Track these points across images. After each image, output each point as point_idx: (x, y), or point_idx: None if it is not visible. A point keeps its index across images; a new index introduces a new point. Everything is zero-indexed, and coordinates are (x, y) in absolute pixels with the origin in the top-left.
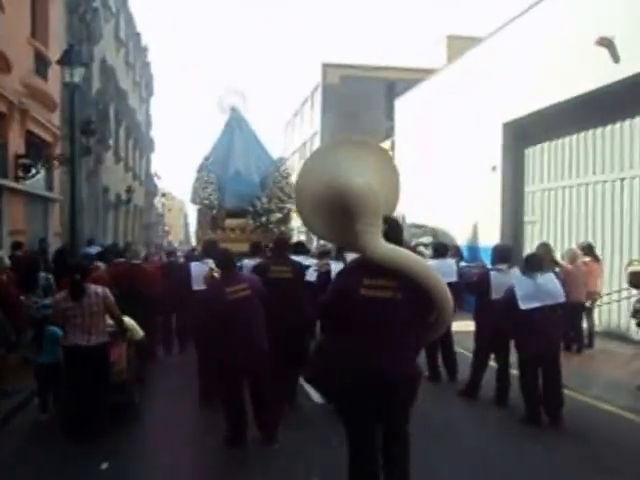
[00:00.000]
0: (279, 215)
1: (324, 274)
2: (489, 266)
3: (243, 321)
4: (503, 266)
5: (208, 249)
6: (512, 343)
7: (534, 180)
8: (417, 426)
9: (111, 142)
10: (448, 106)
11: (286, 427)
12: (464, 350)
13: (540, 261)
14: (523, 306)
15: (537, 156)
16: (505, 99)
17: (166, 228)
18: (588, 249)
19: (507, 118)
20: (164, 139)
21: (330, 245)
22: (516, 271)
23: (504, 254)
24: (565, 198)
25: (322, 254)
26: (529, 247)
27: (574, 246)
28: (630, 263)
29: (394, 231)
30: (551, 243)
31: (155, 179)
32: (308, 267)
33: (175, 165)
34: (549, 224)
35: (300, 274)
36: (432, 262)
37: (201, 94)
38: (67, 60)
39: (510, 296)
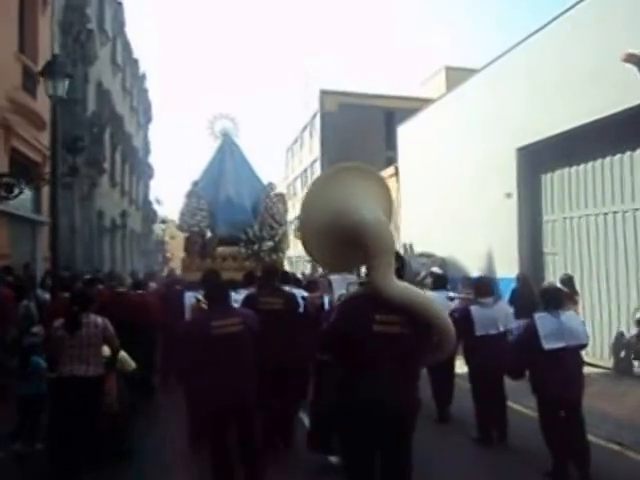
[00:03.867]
0: (271, 243)
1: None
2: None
3: (229, 360)
4: (487, 299)
5: (207, 279)
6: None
7: (553, 208)
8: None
9: (106, 166)
10: (456, 132)
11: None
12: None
13: (560, 297)
14: (547, 346)
15: (556, 183)
16: (519, 123)
17: (168, 255)
18: (568, 282)
19: (521, 143)
20: (168, 166)
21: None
22: (504, 304)
23: (487, 287)
24: (590, 227)
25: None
26: (550, 280)
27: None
28: (638, 308)
29: (404, 268)
30: (574, 276)
31: (155, 205)
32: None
33: (178, 192)
34: (573, 255)
35: (293, 305)
36: (430, 294)
37: (201, 120)
38: (49, 71)
39: (529, 334)
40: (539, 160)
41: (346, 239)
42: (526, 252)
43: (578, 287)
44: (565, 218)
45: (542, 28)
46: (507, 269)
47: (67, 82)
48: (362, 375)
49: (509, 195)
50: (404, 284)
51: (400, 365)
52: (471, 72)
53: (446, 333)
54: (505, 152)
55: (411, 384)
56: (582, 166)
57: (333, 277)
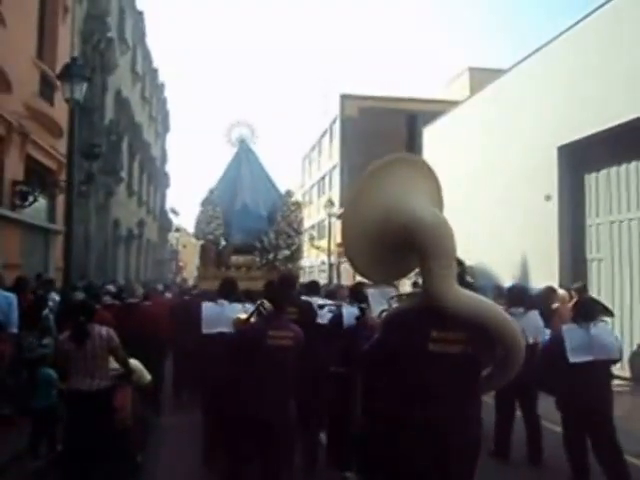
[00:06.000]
0: (287, 252)
1: (337, 317)
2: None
3: (277, 373)
4: (519, 309)
5: (226, 288)
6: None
7: (598, 211)
8: None
9: (124, 175)
10: (488, 131)
11: None
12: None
13: (594, 309)
14: (572, 359)
15: (601, 183)
16: (560, 119)
17: (180, 264)
18: (582, 290)
19: (563, 141)
20: (182, 175)
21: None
22: (535, 314)
23: (519, 296)
24: None
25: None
26: (595, 288)
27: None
28: None
29: (465, 274)
30: (623, 283)
31: (171, 215)
32: (322, 307)
33: (192, 201)
34: (620, 261)
35: (309, 315)
36: None
37: (218, 128)
38: (67, 74)
39: (555, 345)
40: (582, 159)
41: (397, 241)
42: (567, 259)
43: (622, 295)
44: (612, 222)
45: (584, 18)
46: (545, 278)
47: (85, 86)
48: (414, 403)
49: (549, 197)
50: (469, 292)
51: (460, 390)
52: (495, 72)
53: (517, 351)
54: (545, 151)
55: (473, 410)
56: (632, 164)
57: (370, 291)
